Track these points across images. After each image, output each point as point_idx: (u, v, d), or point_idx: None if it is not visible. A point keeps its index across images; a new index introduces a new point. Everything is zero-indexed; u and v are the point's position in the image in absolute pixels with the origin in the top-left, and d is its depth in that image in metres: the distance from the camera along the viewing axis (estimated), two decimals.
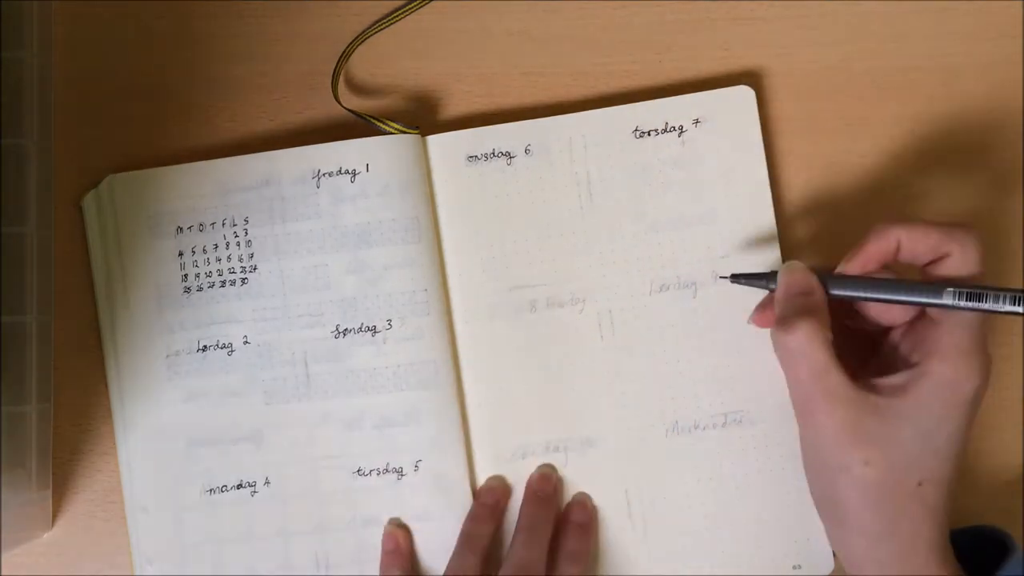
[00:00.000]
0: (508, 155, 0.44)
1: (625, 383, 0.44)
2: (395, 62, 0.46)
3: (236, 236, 0.44)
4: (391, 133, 0.44)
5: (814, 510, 0.40)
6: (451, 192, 0.44)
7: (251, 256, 0.43)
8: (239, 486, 0.43)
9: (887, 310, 0.39)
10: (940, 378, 0.36)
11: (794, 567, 0.43)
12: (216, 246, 0.44)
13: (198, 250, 0.44)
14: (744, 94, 0.44)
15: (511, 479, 0.44)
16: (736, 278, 0.42)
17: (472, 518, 0.43)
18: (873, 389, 0.36)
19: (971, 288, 0.35)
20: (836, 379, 0.36)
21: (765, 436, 0.43)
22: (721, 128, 0.44)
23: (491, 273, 0.44)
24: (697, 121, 0.44)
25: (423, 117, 0.46)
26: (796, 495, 0.43)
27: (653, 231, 0.44)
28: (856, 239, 0.41)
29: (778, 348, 0.38)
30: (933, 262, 0.37)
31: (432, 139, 0.44)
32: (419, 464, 0.43)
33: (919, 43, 0.46)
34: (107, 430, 0.44)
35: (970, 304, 0.35)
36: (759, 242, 0.44)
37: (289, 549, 0.43)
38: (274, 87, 0.46)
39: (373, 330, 0.43)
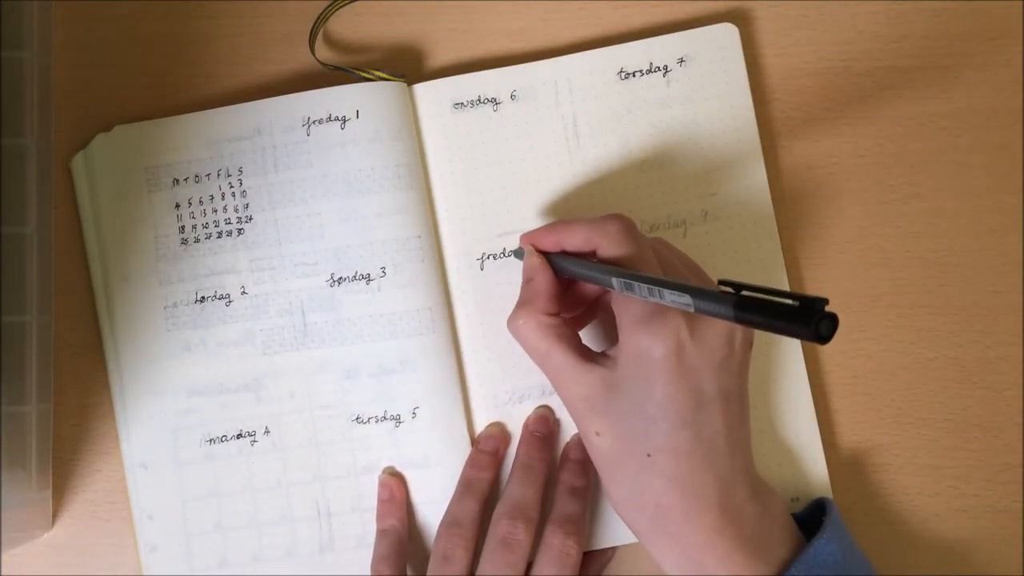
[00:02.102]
0: (494, 101, 0.45)
1: None
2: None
3: (231, 187, 0.44)
4: (376, 81, 0.44)
5: (810, 443, 0.40)
6: (438, 140, 0.45)
7: (246, 207, 0.44)
8: (239, 436, 0.43)
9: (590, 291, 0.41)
10: (630, 350, 0.36)
11: (792, 499, 0.43)
12: (212, 197, 0.44)
13: (194, 201, 0.44)
14: (728, 31, 0.45)
15: (508, 423, 0.44)
16: (516, 253, 0.43)
17: (471, 464, 0.43)
18: (600, 362, 0.38)
19: (626, 277, 0.35)
20: (558, 359, 0.38)
21: (761, 369, 0.43)
22: (706, 66, 0.44)
23: (481, 219, 0.44)
24: (682, 60, 0.45)
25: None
26: (791, 429, 0.43)
27: (641, 172, 0.44)
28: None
29: (511, 335, 0.40)
30: (593, 252, 0.39)
31: (418, 87, 0.45)
32: (416, 411, 0.43)
33: (919, 43, 0.46)
34: (107, 430, 0.44)
35: (625, 292, 0.35)
36: (747, 179, 0.44)
37: (289, 498, 0.43)
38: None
39: (367, 278, 0.43)
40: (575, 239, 0.39)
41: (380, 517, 0.43)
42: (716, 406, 0.36)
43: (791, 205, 0.45)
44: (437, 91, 0.45)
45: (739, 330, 0.37)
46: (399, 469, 0.43)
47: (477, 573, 0.40)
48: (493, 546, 0.40)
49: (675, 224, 0.44)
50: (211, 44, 0.46)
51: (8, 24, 0.42)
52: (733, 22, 0.45)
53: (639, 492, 0.37)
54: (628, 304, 0.36)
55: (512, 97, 0.45)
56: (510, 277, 0.44)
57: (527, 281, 0.40)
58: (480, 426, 0.44)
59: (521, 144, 0.45)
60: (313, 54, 0.45)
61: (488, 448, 0.43)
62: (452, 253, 0.44)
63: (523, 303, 0.40)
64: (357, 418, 0.43)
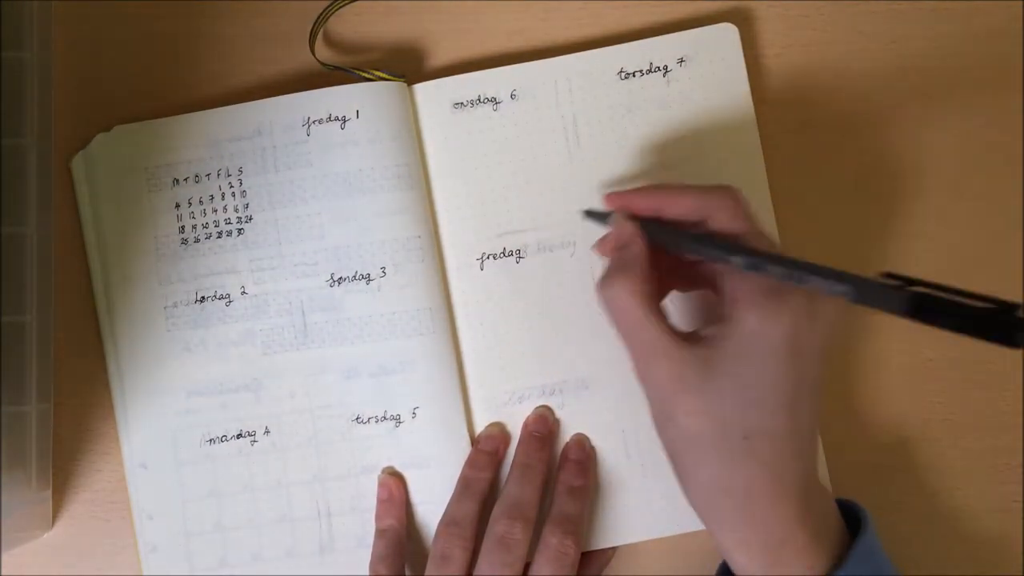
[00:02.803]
0: (494, 101, 0.45)
1: None
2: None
3: (231, 187, 0.44)
4: (376, 81, 0.44)
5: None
6: (438, 139, 0.45)
7: (246, 207, 0.44)
8: (239, 436, 0.43)
9: (688, 267, 0.39)
10: (744, 328, 0.35)
11: None
12: (212, 197, 0.44)
13: (194, 201, 0.44)
14: (728, 31, 0.45)
15: (508, 424, 0.44)
16: (587, 214, 0.42)
17: (470, 464, 0.43)
18: (696, 341, 0.36)
19: (753, 256, 0.34)
20: (653, 331, 0.36)
21: None
22: (706, 66, 0.44)
23: (481, 219, 0.44)
24: (682, 60, 0.45)
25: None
26: None
27: (641, 172, 0.44)
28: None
29: (600, 303, 0.38)
30: (701, 222, 0.37)
31: (418, 87, 0.45)
32: (416, 411, 0.43)
33: (919, 43, 0.46)
34: (107, 430, 0.44)
35: (751, 271, 0.34)
36: (747, 179, 0.44)
37: (289, 498, 0.43)
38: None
39: (367, 278, 0.43)
40: (679, 207, 0.37)
41: (379, 517, 0.43)
42: (812, 394, 0.35)
43: (791, 205, 0.45)
44: (437, 91, 0.45)
45: (844, 320, 0.36)
46: (399, 469, 0.43)
47: (475, 573, 0.40)
48: (491, 545, 0.40)
49: None
50: (211, 44, 0.46)
51: (8, 24, 0.42)
52: (733, 22, 0.45)
53: (728, 476, 0.35)
54: (743, 283, 0.35)
55: (512, 97, 0.45)
56: (510, 277, 0.44)
57: (620, 247, 0.38)
58: (480, 427, 0.44)
59: (521, 144, 0.45)
60: (313, 54, 0.45)
61: (487, 448, 0.43)
62: (452, 253, 0.44)
63: (616, 270, 0.37)
64: (357, 418, 0.43)
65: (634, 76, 0.45)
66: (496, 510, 0.41)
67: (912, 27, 0.46)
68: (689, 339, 0.36)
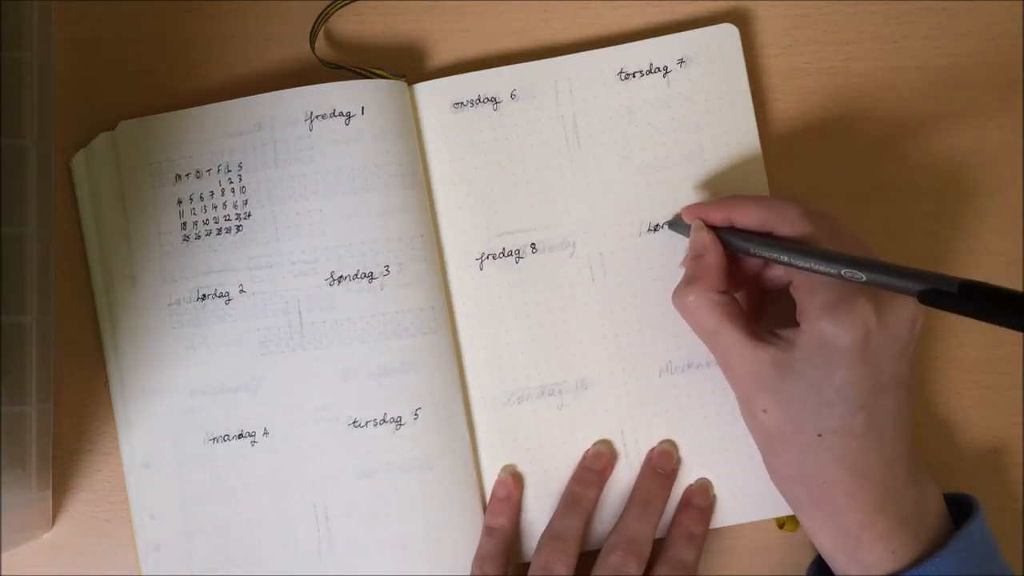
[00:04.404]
0: (494, 100, 0.45)
1: (618, 324, 0.44)
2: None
3: (231, 182, 0.44)
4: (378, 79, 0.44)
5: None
6: (439, 139, 0.45)
7: (245, 203, 0.44)
8: (240, 436, 0.43)
9: (770, 271, 0.41)
10: (814, 335, 0.36)
11: None
12: (212, 193, 0.44)
13: (195, 197, 0.44)
14: (728, 32, 0.45)
15: (507, 424, 0.44)
16: (671, 225, 0.44)
17: (577, 480, 0.43)
18: (773, 341, 0.38)
19: (832, 260, 0.36)
20: (727, 337, 0.39)
21: None
22: (706, 67, 0.44)
23: (481, 219, 0.44)
24: (682, 61, 0.44)
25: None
26: None
27: (641, 172, 0.44)
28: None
29: (677, 310, 0.41)
30: (769, 232, 0.39)
31: (418, 87, 0.45)
32: (418, 412, 0.43)
33: (919, 43, 0.46)
34: (107, 430, 0.44)
35: (818, 272, 0.36)
36: (747, 181, 0.44)
37: (288, 500, 0.43)
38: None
39: (370, 276, 0.43)
40: (748, 218, 0.39)
41: (492, 514, 0.43)
42: (891, 392, 0.37)
43: None
44: (437, 90, 0.45)
45: (920, 317, 0.37)
46: (400, 471, 0.43)
47: None
48: (604, 573, 0.40)
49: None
50: (212, 44, 0.46)
51: (8, 24, 0.42)
52: (733, 22, 0.45)
53: (804, 468, 0.38)
54: (814, 289, 0.37)
55: (512, 97, 0.45)
56: (509, 277, 0.44)
57: (696, 256, 0.40)
58: (480, 427, 0.44)
59: (521, 144, 0.45)
60: (314, 53, 0.45)
61: (596, 466, 0.43)
62: (452, 253, 0.44)
63: (692, 279, 0.40)
64: (355, 421, 0.43)
65: (634, 76, 0.45)
66: (612, 539, 0.41)
67: (912, 27, 0.46)
68: (767, 339, 0.38)
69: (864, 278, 0.35)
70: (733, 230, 0.40)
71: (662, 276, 0.44)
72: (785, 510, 0.43)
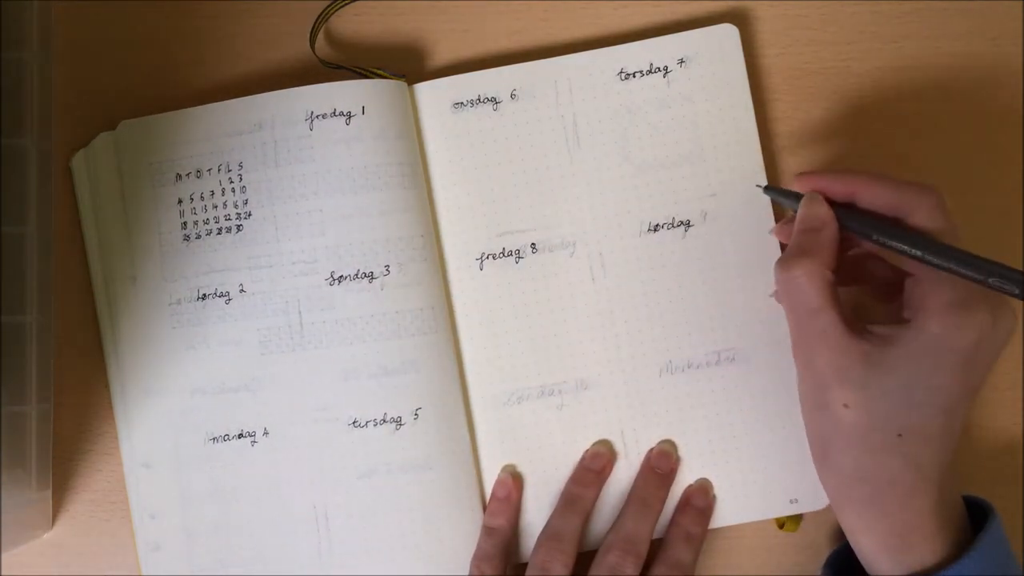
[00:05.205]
0: (494, 100, 0.45)
1: (618, 324, 0.44)
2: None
3: (231, 182, 0.44)
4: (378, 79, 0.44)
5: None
6: (438, 139, 0.45)
7: (245, 202, 0.44)
8: (240, 435, 0.43)
9: (875, 261, 0.40)
10: (928, 334, 0.35)
11: (791, 501, 0.43)
12: (212, 193, 0.44)
13: (195, 197, 0.44)
14: (728, 32, 0.44)
15: (507, 424, 0.44)
16: (768, 190, 0.42)
17: (576, 480, 0.43)
18: (866, 336, 0.37)
19: (952, 256, 0.35)
20: (827, 320, 0.36)
21: (758, 373, 0.43)
22: (706, 67, 0.44)
23: (481, 219, 0.44)
24: (682, 61, 0.44)
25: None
26: (790, 430, 0.43)
27: (641, 172, 0.44)
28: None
29: (778, 282, 0.38)
30: (898, 217, 0.37)
31: (419, 87, 0.45)
32: (419, 412, 0.43)
33: (919, 43, 0.46)
34: (107, 430, 0.44)
35: (949, 270, 0.35)
36: (747, 179, 0.44)
37: (289, 500, 0.43)
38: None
39: (370, 276, 0.43)
40: (876, 197, 0.37)
41: (491, 515, 0.43)
42: (972, 397, 0.37)
43: None
44: (437, 90, 0.45)
45: (1017, 329, 0.37)
46: (400, 471, 0.43)
47: None
48: (601, 573, 0.40)
49: (674, 225, 0.44)
50: (212, 44, 0.46)
51: (8, 24, 0.42)
52: (733, 22, 0.45)
53: (871, 466, 0.36)
54: (937, 287, 0.35)
55: (512, 97, 0.45)
56: (509, 277, 0.44)
57: (811, 230, 0.37)
58: (479, 427, 0.44)
59: (521, 144, 0.45)
60: (314, 53, 0.45)
61: (595, 466, 0.43)
62: (452, 253, 0.44)
63: (803, 252, 0.37)
64: (355, 421, 0.43)
65: (634, 76, 0.45)
66: (610, 539, 0.41)
67: (912, 27, 0.46)
68: (860, 332, 0.37)
69: (1017, 292, 0.33)
70: (854, 209, 0.38)
71: (662, 276, 0.44)
72: (785, 510, 0.43)
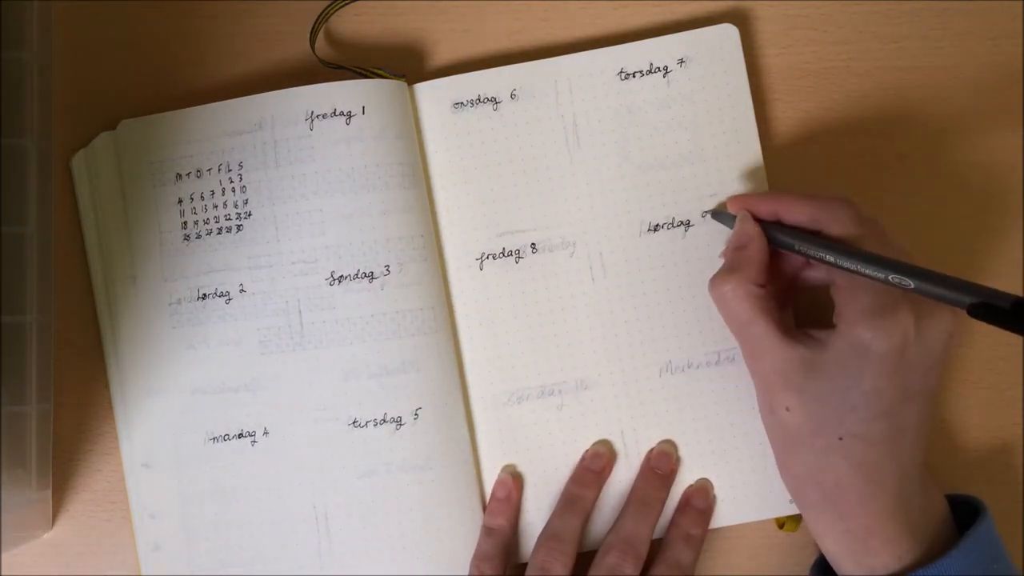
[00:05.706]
0: (494, 100, 0.45)
1: (618, 324, 0.44)
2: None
3: (231, 182, 0.44)
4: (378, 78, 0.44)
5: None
6: (438, 139, 0.45)
7: (245, 202, 0.44)
8: (240, 435, 0.43)
9: (808, 270, 0.41)
10: (849, 339, 0.36)
11: (791, 500, 0.42)
12: (212, 192, 0.44)
13: (196, 197, 0.44)
14: (728, 32, 0.45)
15: (506, 424, 0.44)
16: (713, 215, 0.43)
17: (576, 481, 0.43)
18: (804, 341, 0.38)
19: (885, 266, 0.35)
20: (760, 330, 0.38)
21: None
22: (706, 67, 0.44)
23: (481, 219, 0.44)
24: (682, 61, 0.45)
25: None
26: None
27: (641, 172, 0.44)
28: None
29: (712, 299, 0.41)
30: (818, 231, 0.39)
31: (419, 87, 0.45)
32: (419, 412, 0.43)
33: (919, 43, 0.46)
34: (107, 430, 0.44)
35: (862, 275, 0.36)
36: (747, 180, 0.44)
37: (288, 500, 0.43)
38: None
39: (370, 276, 0.43)
40: (797, 214, 0.39)
41: (491, 515, 0.43)
42: (916, 403, 0.37)
43: None
44: (437, 90, 0.45)
45: (955, 333, 0.37)
46: (400, 471, 0.43)
47: None
48: (600, 573, 0.40)
49: (674, 225, 0.44)
50: (212, 44, 0.46)
51: (8, 24, 0.42)
52: (733, 22, 0.45)
53: (820, 469, 0.38)
54: (856, 292, 0.37)
55: (512, 97, 0.45)
56: (509, 277, 0.44)
57: (739, 247, 0.40)
58: (479, 427, 0.44)
59: (521, 144, 0.45)
60: (314, 53, 0.45)
61: (595, 467, 0.43)
62: (452, 253, 0.44)
63: (731, 269, 0.39)
64: (355, 421, 0.43)
65: (634, 76, 0.45)
66: (609, 539, 0.41)
67: (912, 27, 0.46)
68: (798, 337, 0.38)
69: (912, 285, 0.34)
70: (779, 225, 0.40)
71: (662, 276, 0.44)
72: (785, 510, 0.43)
